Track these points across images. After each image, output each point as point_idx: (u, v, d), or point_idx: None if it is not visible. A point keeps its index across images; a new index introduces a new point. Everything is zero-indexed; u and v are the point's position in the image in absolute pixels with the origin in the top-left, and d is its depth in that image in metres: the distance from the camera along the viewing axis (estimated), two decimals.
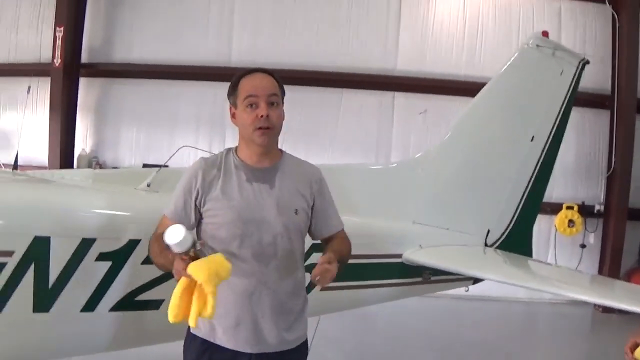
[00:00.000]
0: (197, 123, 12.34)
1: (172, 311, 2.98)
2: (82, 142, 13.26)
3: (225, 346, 3.31)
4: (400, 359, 8.25)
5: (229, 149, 3.54)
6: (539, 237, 11.07)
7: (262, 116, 3.29)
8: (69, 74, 12.59)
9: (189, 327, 3.36)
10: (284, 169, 3.49)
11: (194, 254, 2.94)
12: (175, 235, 2.89)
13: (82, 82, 13.11)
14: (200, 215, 3.38)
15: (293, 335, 3.45)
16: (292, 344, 3.45)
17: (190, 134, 12.31)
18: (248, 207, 3.28)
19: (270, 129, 3.33)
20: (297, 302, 3.49)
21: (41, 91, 13.07)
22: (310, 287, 4.82)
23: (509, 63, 6.30)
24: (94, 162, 12.99)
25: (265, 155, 3.44)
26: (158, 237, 3.25)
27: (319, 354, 7.86)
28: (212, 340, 3.32)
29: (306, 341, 3.59)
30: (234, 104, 3.43)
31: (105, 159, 13.24)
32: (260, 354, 3.32)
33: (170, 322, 3.01)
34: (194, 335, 3.38)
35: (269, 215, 3.31)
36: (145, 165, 11.94)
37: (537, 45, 6.25)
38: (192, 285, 2.94)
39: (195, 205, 3.36)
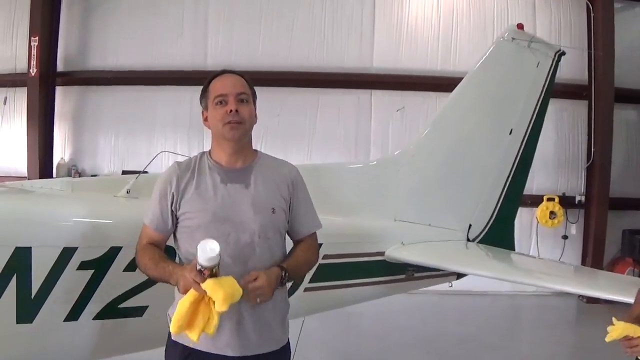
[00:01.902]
0: (175, 127, 12.32)
1: (177, 322, 3.01)
2: (61, 151, 13.21)
3: (207, 351, 3.29)
4: (386, 357, 8.25)
5: (202, 153, 3.55)
6: (520, 229, 11.12)
7: (230, 111, 3.33)
8: (45, 83, 12.56)
9: (169, 333, 3.36)
10: (260, 169, 3.49)
11: (215, 272, 2.95)
12: (210, 251, 2.89)
13: (59, 91, 13.07)
14: (177, 219, 3.38)
15: (275, 336, 3.45)
16: (275, 345, 3.44)
17: (168, 139, 12.31)
18: (223, 208, 3.28)
19: (240, 124, 3.36)
20: (278, 302, 3.46)
21: (18, 101, 13.05)
22: (293, 289, 4.87)
23: (485, 57, 6.32)
24: (73, 170, 12.95)
25: (238, 154, 3.44)
26: (145, 248, 3.31)
27: (304, 355, 7.85)
28: (193, 347, 3.28)
29: (289, 343, 3.59)
30: (205, 107, 3.48)
31: (84, 167, 13.19)
32: (242, 357, 3.31)
33: (173, 332, 3.07)
34: (175, 342, 3.35)
35: (244, 215, 3.31)
36: (124, 172, 11.89)
37: (513, 38, 6.27)
38: (199, 299, 2.97)
39: (172, 210, 3.37)
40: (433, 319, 10.31)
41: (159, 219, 3.36)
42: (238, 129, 3.36)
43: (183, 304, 2.98)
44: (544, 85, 6.57)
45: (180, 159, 3.69)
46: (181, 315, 2.98)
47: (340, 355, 8.45)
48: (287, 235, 3.60)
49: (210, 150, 3.53)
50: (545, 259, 10.13)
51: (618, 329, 3.50)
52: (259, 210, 3.34)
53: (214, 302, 2.93)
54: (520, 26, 6.34)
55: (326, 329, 9.19)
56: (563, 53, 6.64)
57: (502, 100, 6.39)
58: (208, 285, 2.91)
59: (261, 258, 3.33)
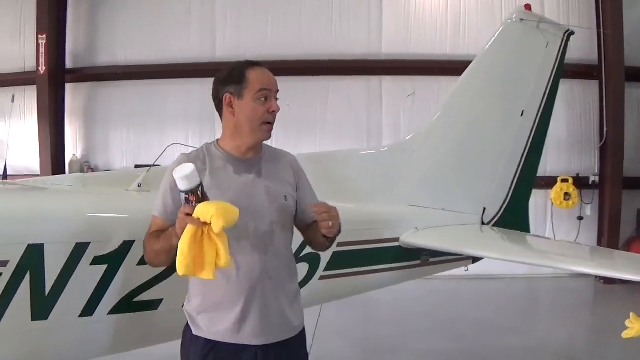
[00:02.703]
0: (186, 120, 12.36)
1: (182, 262, 2.83)
2: (73, 148, 13.31)
3: (231, 342, 3.26)
4: (403, 343, 8.24)
5: (208, 143, 3.50)
6: (535, 212, 11.11)
7: (273, 111, 3.33)
8: (54, 80, 12.64)
9: (187, 328, 3.36)
10: (267, 159, 3.48)
11: (201, 194, 2.85)
12: (185, 169, 2.80)
13: (69, 87, 13.15)
14: None
15: (296, 320, 3.45)
16: (296, 330, 3.44)
17: (180, 132, 12.34)
18: (240, 198, 3.21)
19: (272, 125, 3.37)
20: (295, 287, 3.50)
21: (28, 100, 13.11)
22: (308, 277, 4.87)
23: (493, 39, 6.26)
24: (85, 166, 13.03)
25: (255, 147, 3.43)
26: (151, 234, 3.25)
27: (322, 343, 7.86)
28: (215, 339, 3.26)
29: (304, 330, 3.59)
30: (237, 95, 3.34)
31: (97, 162, 13.27)
32: (265, 346, 3.29)
33: (180, 274, 2.87)
34: (197, 337, 3.31)
35: (261, 204, 3.29)
36: (137, 166, 11.91)
37: (521, 19, 6.21)
38: (199, 234, 2.82)
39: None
40: (450, 304, 10.31)
41: (172, 210, 3.27)
42: (271, 130, 3.39)
43: (183, 242, 2.82)
44: (554, 66, 6.50)
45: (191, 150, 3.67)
46: (184, 252, 2.81)
47: (358, 343, 8.45)
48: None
49: (219, 140, 3.49)
50: (561, 240, 10.08)
51: (635, 328, 3.47)
52: (273, 199, 3.34)
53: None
54: (528, 7, 6.28)
55: (344, 316, 9.22)
56: (572, 33, 6.56)
57: (512, 82, 6.33)
58: (198, 210, 2.78)
59: (279, 245, 3.34)
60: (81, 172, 12.52)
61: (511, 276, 11.55)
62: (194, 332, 3.32)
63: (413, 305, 9.98)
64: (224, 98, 3.37)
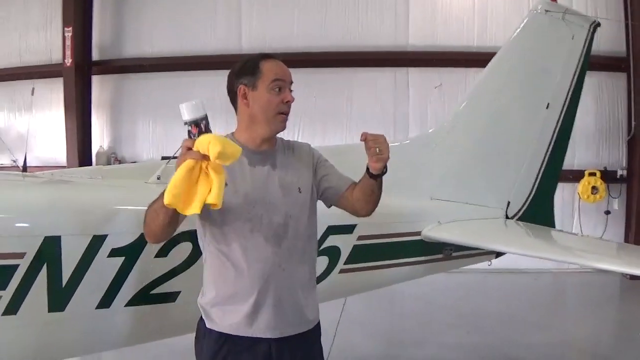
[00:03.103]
0: (212, 112, 12.15)
1: (171, 190, 2.72)
2: (100, 139, 13.38)
3: (244, 335, 3.24)
4: (428, 336, 8.21)
5: (225, 135, 3.48)
6: (562, 205, 11.05)
7: (288, 101, 3.31)
8: (80, 72, 12.74)
9: (200, 321, 3.36)
10: (282, 151, 3.46)
11: (204, 128, 2.80)
12: (190, 102, 2.75)
13: (95, 79, 13.23)
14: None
15: (312, 314, 3.42)
16: (310, 323, 3.42)
17: None
18: (254, 190, 3.24)
19: (287, 115, 3.35)
20: (311, 280, 3.48)
21: (55, 92, 13.17)
22: (328, 271, 4.85)
23: (518, 30, 6.17)
24: (112, 158, 13.11)
25: (270, 139, 3.41)
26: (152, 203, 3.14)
27: (346, 336, 7.85)
28: (229, 332, 3.25)
29: (319, 324, 3.55)
30: (252, 87, 3.33)
31: (123, 154, 13.35)
32: (280, 339, 3.27)
33: (166, 202, 2.75)
34: (209, 330, 3.30)
35: (275, 196, 3.27)
36: (163, 158, 11.94)
37: (546, 11, 6.11)
38: (197, 169, 2.73)
39: None
40: (475, 298, 10.25)
41: None
42: (285, 121, 3.37)
43: (178, 172, 2.74)
44: (580, 58, 6.40)
45: None
46: (176, 183, 2.72)
47: (381, 336, 8.44)
48: (325, 202, 3.59)
49: (234, 133, 3.47)
50: (587, 236, 9.95)
51: None
52: (287, 192, 3.32)
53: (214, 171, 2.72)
54: None
55: (368, 309, 9.19)
56: (598, 24, 6.45)
57: (538, 74, 6.24)
58: (199, 142, 2.71)
59: (294, 238, 3.31)
60: (108, 163, 12.60)
61: (537, 271, 11.46)
62: (208, 326, 3.31)
63: (438, 299, 9.95)
64: (238, 90, 3.36)
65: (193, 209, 2.77)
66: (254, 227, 3.20)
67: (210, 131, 2.78)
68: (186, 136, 4.49)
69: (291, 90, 3.36)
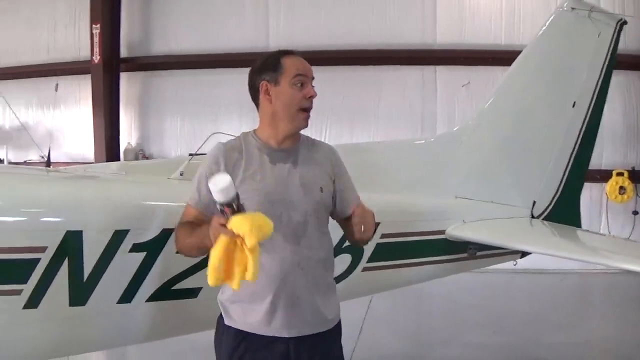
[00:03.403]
0: (240, 109, 12.30)
1: (213, 274, 2.87)
2: (128, 136, 13.47)
3: (262, 333, 3.24)
4: (453, 336, 8.18)
5: (246, 133, 3.48)
6: (590, 206, 10.97)
7: (310, 97, 3.29)
8: (108, 69, 12.82)
9: (220, 318, 3.36)
10: (304, 149, 3.44)
11: (236, 206, 2.85)
12: (221, 181, 2.79)
13: (123, 76, 13.31)
14: None
15: (331, 313, 3.39)
16: (329, 323, 3.39)
17: (234, 121, 12.42)
18: (274, 188, 3.23)
19: (308, 111, 3.34)
20: (330, 280, 3.45)
21: (83, 89, 13.28)
22: (351, 268, 4.83)
23: (544, 28, 6.11)
24: (140, 154, 13.19)
25: (292, 137, 3.39)
26: (184, 224, 3.25)
27: (371, 334, 7.84)
28: (247, 330, 3.26)
29: (340, 323, 3.52)
30: (274, 82, 3.32)
31: (151, 151, 13.44)
32: (298, 338, 3.26)
33: (210, 285, 2.91)
34: (228, 327, 3.32)
35: (295, 195, 3.25)
36: (191, 155, 12.01)
37: (572, 8, 6.04)
38: (232, 245, 2.82)
39: None
40: (501, 298, 10.19)
41: (207, 200, 3.23)
42: (307, 117, 3.35)
43: (215, 253, 2.84)
44: (606, 56, 6.31)
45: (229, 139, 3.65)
46: (215, 264, 2.84)
47: (407, 334, 8.43)
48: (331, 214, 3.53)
49: (256, 130, 3.46)
50: (614, 236, 9.85)
51: None
52: (308, 190, 3.29)
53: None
54: None
55: (393, 307, 9.17)
56: (625, 22, 6.36)
57: (564, 72, 6.17)
58: (233, 223, 2.77)
59: (312, 237, 3.29)
60: (136, 160, 12.67)
61: (563, 271, 11.33)
62: (226, 322, 3.32)
63: (464, 298, 9.90)
64: (260, 86, 3.35)
65: (233, 285, 2.90)
66: (273, 226, 3.17)
67: (242, 208, 2.82)
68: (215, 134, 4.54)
69: (313, 86, 3.33)
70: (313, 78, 3.35)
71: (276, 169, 3.30)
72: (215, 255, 2.83)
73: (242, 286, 3.11)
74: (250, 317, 3.24)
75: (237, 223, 2.76)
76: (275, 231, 3.06)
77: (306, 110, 3.31)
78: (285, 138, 3.37)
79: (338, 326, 3.50)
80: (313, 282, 3.28)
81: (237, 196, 2.83)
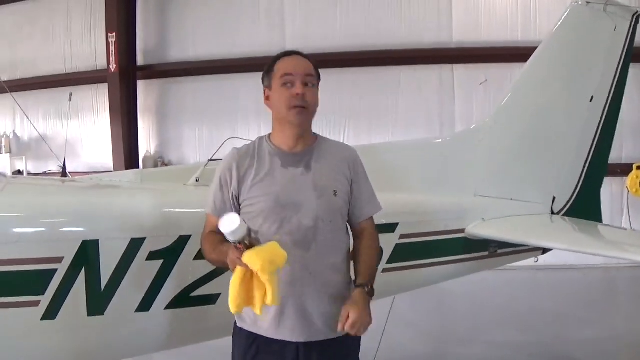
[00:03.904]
0: (258, 113, 12.31)
1: (233, 302, 3.01)
2: (147, 144, 13.52)
3: (272, 337, 3.24)
4: (476, 335, 8.12)
5: (261, 137, 3.48)
6: (611, 200, 10.88)
7: (297, 94, 3.24)
8: (125, 78, 12.88)
9: (235, 320, 3.37)
10: (319, 152, 3.39)
11: (249, 242, 2.89)
12: (230, 224, 2.86)
13: (141, 84, 13.38)
14: (239, 205, 3.31)
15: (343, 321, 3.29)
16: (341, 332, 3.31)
17: (252, 125, 12.47)
18: (285, 193, 3.21)
19: (305, 109, 3.27)
20: (343, 286, 3.37)
21: (101, 98, 13.36)
22: None
23: (559, 23, 6.05)
24: (159, 162, 13.23)
25: (300, 138, 3.35)
26: (207, 236, 3.29)
27: (394, 335, 7.80)
28: (258, 333, 3.26)
29: None
30: (268, 86, 3.35)
31: (170, 158, 13.49)
32: (308, 343, 3.24)
33: (233, 312, 3.09)
34: (240, 329, 3.34)
35: (306, 199, 3.22)
36: (212, 161, 12.04)
37: (587, 2, 5.99)
38: (249, 274, 2.93)
39: (233, 197, 3.31)
40: (525, 295, 10.12)
41: (222, 207, 3.30)
42: (302, 113, 3.27)
43: (234, 283, 2.99)
44: (623, 49, 6.24)
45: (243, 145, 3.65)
46: (235, 295, 2.99)
47: (430, 334, 8.38)
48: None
49: (270, 134, 3.46)
50: (635, 230, 9.76)
51: None
52: (321, 194, 3.26)
53: None
54: None
55: (415, 308, 9.14)
56: None
57: (580, 67, 6.11)
58: (246, 258, 2.88)
59: (324, 242, 3.26)
60: (155, 167, 12.70)
61: (586, 266, 11.23)
62: (238, 324, 3.36)
63: (487, 297, 9.85)
64: (264, 92, 3.40)
65: (255, 310, 3.04)
66: (282, 230, 3.18)
67: (255, 241, 2.90)
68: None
69: (307, 84, 3.28)
70: (308, 75, 3.30)
71: (287, 173, 3.29)
72: (234, 287, 3.00)
73: None
74: (260, 320, 3.24)
75: (249, 259, 2.88)
76: (285, 235, 3.12)
77: (297, 107, 3.26)
78: (295, 141, 3.36)
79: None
80: (323, 288, 3.25)
81: (249, 232, 2.91)
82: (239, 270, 2.94)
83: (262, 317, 3.20)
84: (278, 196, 3.21)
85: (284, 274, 3.12)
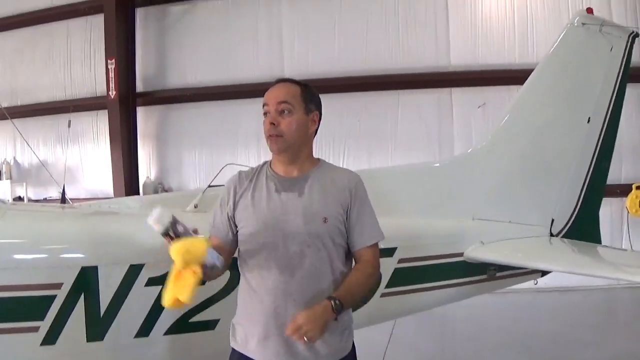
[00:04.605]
0: (258, 139, 12.32)
1: (165, 295, 2.99)
2: (147, 170, 13.55)
3: (259, 359, 3.27)
4: (478, 358, 8.09)
5: (266, 162, 3.53)
6: (611, 220, 10.88)
7: (270, 123, 3.30)
8: (125, 104, 12.95)
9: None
10: (317, 177, 3.40)
11: (173, 234, 2.91)
12: (153, 213, 2.89)
13: (140, 111, 13.44)
14: (236, 227, 3.37)
15: (326, 348, 3.28)
16: (334, 355, 3.32)
17: (251, 151, 12.50)
18: (273, 217, 3.24)
19: (278, 137, 3.30)
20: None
21: (101, 124, 13.42)
22: (370, 294, 4.79)
23: (555, 44, 6.09)
24: (159, 188, 13.23)
25: (292, 164, 3.40)
26: None
27: (395, 359, 7.79)
28: (246, 354, 3.30)
29: (354, 349, 3.47)
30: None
31: (170, 184, 13.49)
32: None
33: (165, 305, 3.02)
34: (233, 349, 3.40)
35: (294, 225, 3.23)
36: (210, 187, 12.05)
37: (583, 24, 6.03)
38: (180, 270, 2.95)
39: (229, 217, 3.38)
40: (526, 318, 10.07)
41: (220, 227, 3.41)
42: (277, 142, 3.31)
43: (169, 277, 2.98)
44: (619, 70, 6.29)
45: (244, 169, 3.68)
46: (167, 287, 2.98)
47: (431, 358, 8.34)
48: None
49: (271, 160, 3.50)
50: (635, 251, 9.76)
51: None
52: (309, 220, 3.26)
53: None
54: (589, 10, 6.13)
55: (416, 331, 9.10)
56: (637, 35, 6.35)
57: (577, 88, 6.15)
58: (170, 250, 2.91)
59: (310, 269, 3.25)
60: (155, 193, 12.72)
61: (587, 288, 11.21)
62: (231, 344, 3.40)
63: (488, 320, 9.80)
64: None
65: (163, 301, 3.03)
66: (269, 255, 3.22)
67: (181, 234, 2.91)
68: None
69: (282, 112, 3.31)
70: (284, 102, 3.32)
71: (279, 198, 3.32)
72: (169, 279, 2.98)
73: (242, 309, 3.30)
74: (249, 341, 3.29)
75: (171, 250, 2.90)
76: (271, 260, 3.17)
77: (271, 136, 3.31)
78: (285, 166, 3.42)
79: (351, 354, 3.44)
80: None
81: (173, 224, 2.89)
82: (172, 268, 2.96)
83: (251, 339, 3.26)
84: (266, 220, 3.25)
85: (268, 299, 3.18)
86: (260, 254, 3.23)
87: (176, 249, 2.87)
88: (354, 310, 3.53)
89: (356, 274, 3.39)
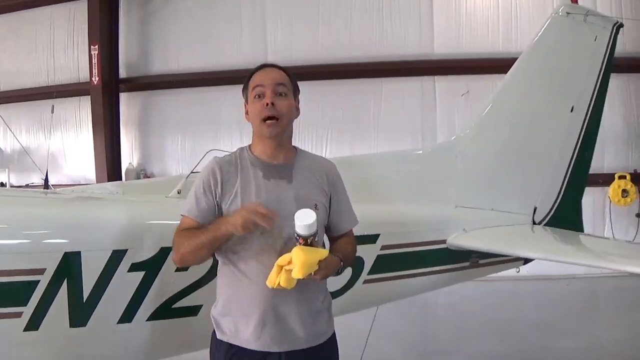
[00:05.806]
0: (240, 126, 12.28)
1: (270, 280, 3.08)
2: (129, 156, 13.48)
3: (253, 348, 3.24)
4: (460, 346, 8.11)
5: (242, 148, 3.50)
6: (593, 210, 10.95)
7: (267, 104, 3.26)
8: (108, 90, 12.87)
9: (213, 333, 3.38)
10: (301, 165, 3.42)
11: (310, 242, 2.93)
12: (307, 218, 2.94)
13: (123, 97, 13.36)
14: (221, 214, 3.30)
15: (321, 327, 3.38)
16: (322, 336, 3.38)
17: (235, 138, 12.42)
18: (267, 204, 3.17)
19: (277, 120, 3.28)
20: (321, 295, 3.41)
21: (83, 110, 13.34)
22: (351, 282, 4.81)
23: (540, 33, 6.11)
24: (142, 174, 13.18)
25: (278, 149, 3.38)
26: (183, 232, 3.27)
27: (377, 345, 7.81)
28: (238, 344, 3.26)
29: (334, 334, 3.52)
30: (246, 100, 3.42)
31: (153, 170, 13.45)
32: (290, 352, 3.25)
33: (299, 277, 3.02)
34: (220, 341, 3.33)
35: (288, 211, 3.18)
36: (193, 173, 12.01)
37: (567, 13, 6.04)
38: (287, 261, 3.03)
39: (216, 203, 3.30)
40: (507, 306, 10.10)
41: (204, 211, 3.30)
42: (275, 126, 3.29)
43: (275, 264, 3.07)
44: (603, 59, 6.31)
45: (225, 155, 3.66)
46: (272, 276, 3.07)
47: (413, 345, 8.35)
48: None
49: (250, 145, 3.48)
50: (617, 240, 9.81)
51: None
52: (302, 206, 3.20)
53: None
54: (574, 0, 6.15)
55: (399, 319, 9.12)
56: (621, 25, 6.36)
57: (561, 78, 6.17)
58: (296, 250, 2.98)
59: None
60: (137, 179, 12.67)
61: (569, 276, 11.29)
62: (218, 337, 3.34)
63: (470, 307, 9.84)
64: (244, 106, 3.45)
65: (267, 282, 3.12)
66: (265, 241, 3.20)
67: (316, 244, 2.97)
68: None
69: (280, 94, 3.32)
70: (281, 84, 3.33)
71: (270, 185, 3.30)
72: (274, 267, 3.08)
73: (233, 300, 3.24)
74: (241, 331, 3.25)
75: (297, 254, 2.99)
76: (265, 245, 3.17)
77: (269, 118, 3.28)
78: (273, 151, 3.39)
79: (332, 339, 3.49)
80: (303, 298, 3.26)
81: (316, 233, 2.92)
82: (282, 257, 3.05)
83: (243, 328, 3.23)
84: None
85: (264, 283, 3.14)
86: (254, 241, 3.21)
87: (300, 260, 2.96)
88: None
89: (347, 244, 3.50)
